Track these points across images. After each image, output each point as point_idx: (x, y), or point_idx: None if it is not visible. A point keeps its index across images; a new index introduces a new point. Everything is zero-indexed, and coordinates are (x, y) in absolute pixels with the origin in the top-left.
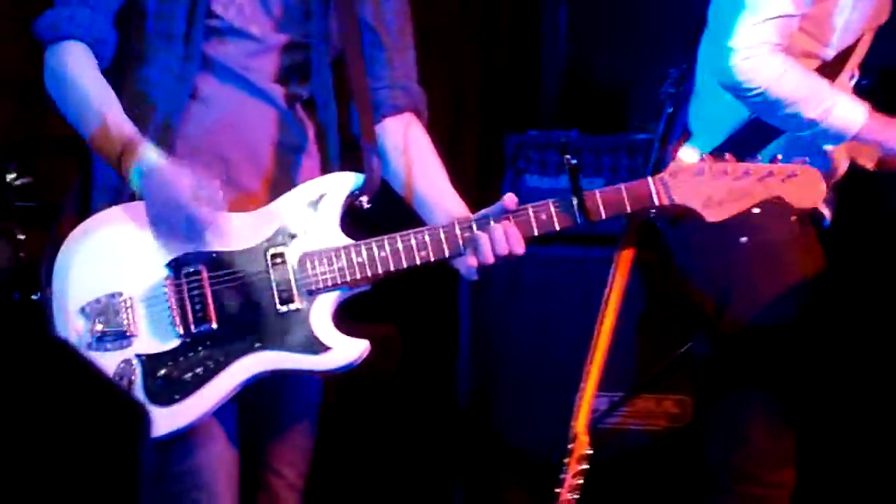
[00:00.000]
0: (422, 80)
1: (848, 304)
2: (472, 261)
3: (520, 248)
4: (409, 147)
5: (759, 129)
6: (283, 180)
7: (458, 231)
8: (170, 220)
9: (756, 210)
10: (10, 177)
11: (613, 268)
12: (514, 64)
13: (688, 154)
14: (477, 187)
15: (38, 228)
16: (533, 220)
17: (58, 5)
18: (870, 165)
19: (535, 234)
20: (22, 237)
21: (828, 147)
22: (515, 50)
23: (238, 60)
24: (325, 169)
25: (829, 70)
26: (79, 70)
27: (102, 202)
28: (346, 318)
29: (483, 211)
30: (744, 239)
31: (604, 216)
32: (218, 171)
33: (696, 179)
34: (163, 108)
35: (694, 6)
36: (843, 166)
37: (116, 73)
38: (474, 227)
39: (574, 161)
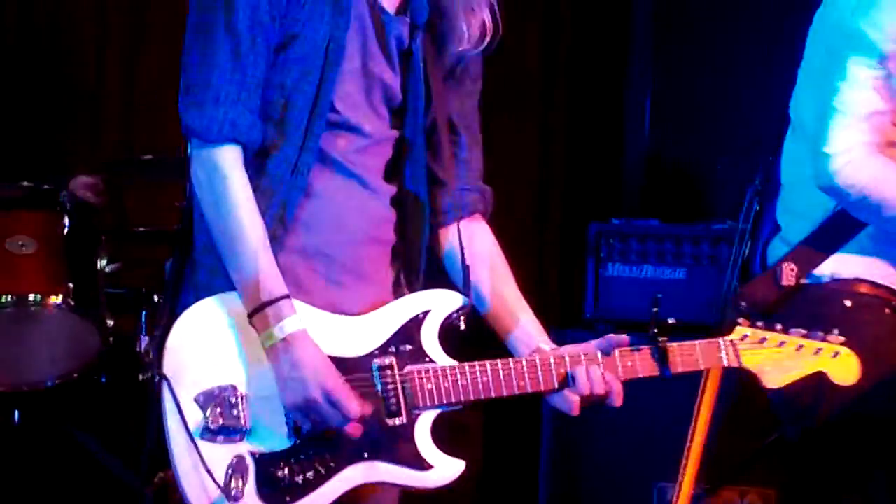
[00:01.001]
0: (506, 166)
1: None
2: (573, 397)
3: (617, 399)
4: (482, 252)
5: (847, 222)
6: (376, 280)
7: (552, 367)
8: (311, 400)
9: (848, 303)
10: (100, 263)
11: (705, 373)
12: (598, 152)
13: (747, 322)
14: (560, 275)
15: (125, 314)
16: (619, 364)
17: (210, 102)
18: None
19: (621, 378)
20: (111, 323)
21: None
22: (599, 138)
23: (348, 155)
24: (410, 269)
25: None
26: (239, 194)
27: (193, 295)
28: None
29: (583, 346)
30: (848, 303)
31: (679, 369)
32: (320, 269)
33: (760, 346)
34: (277, 200)
35: (777, 98)
36: None
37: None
38: (575, 362)
39: (656, 310)
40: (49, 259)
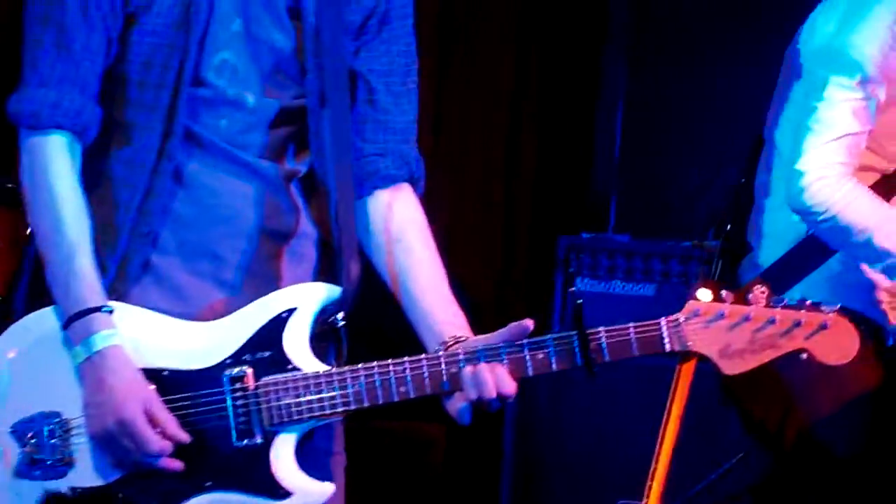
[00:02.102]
0: (475, 177)
1: None
2: (458, 402)
3: (510, 391)
4: (398, 228)
5: (819, 246)
6: (278, 279)
7: (443, 367)
8: (108, 431)
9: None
10: None
11: (675, 381)
12: (567, 165)
13: (705, 294)
14: (528, 289)
15: None
16: (528, 359)
17: (34, 84)
18: None
19: (530, 374)
20: None
21: None
22: (568, 151)
23: (229, 136)
24: (335, 260)
25: (891, 184)
26: (58, 187)
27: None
28: (393, 417)
29: (480, 340)
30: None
31: (608, 358)
32: (206, 270)
33: (715, 325)
34: (141, 193)
35: (751, 118)
36: None
37: (92, 151)
38: (462, 364)
39: (580, 301)
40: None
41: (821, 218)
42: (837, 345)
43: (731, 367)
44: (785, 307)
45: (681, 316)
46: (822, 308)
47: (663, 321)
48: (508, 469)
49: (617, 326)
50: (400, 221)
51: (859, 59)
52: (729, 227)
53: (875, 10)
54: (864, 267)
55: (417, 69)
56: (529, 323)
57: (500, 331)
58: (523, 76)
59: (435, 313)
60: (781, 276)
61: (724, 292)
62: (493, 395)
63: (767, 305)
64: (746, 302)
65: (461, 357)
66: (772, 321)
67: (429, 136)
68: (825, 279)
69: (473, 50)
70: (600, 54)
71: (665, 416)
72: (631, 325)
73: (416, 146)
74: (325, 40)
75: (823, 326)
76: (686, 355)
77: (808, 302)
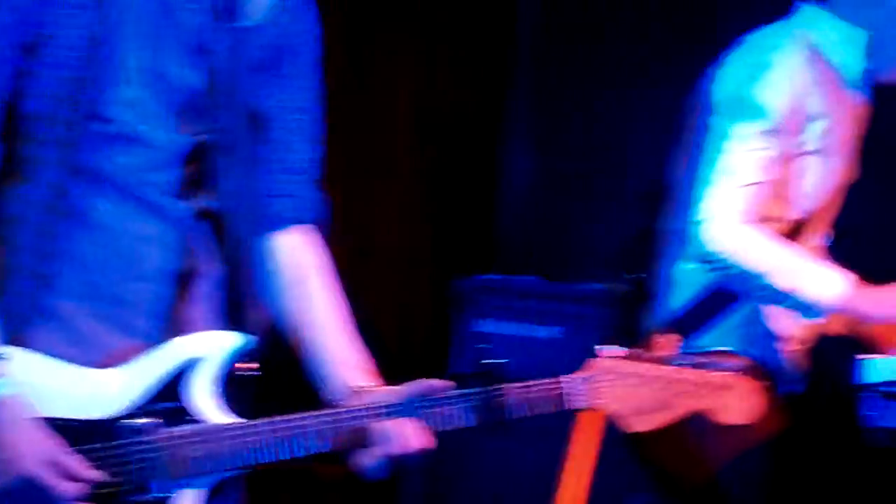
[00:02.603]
0: (374, 213)
1: (806, 463)
2: (371, 456)
3: (429, 444)
4: (298, 272)
5: (727, 296)
6: (185, 322)
7: (363, 420)
8: (15, 489)
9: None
10: None
11: (579, 423)
12: (472, 205)
13: (610, 352)
14: (431, 331)
15: None
16: (443, 414)
17: None
18: (841, 329)
19: (443, 429)
20: None
21: (809, 319)
22: (475, 191)
23: (135, 173)
24: (238, 302)
25: (798, 232)
26: None
27: None
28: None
29: (391, 392)
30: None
31: (511, 416)
32: (109, 314)
33: (618, 383)
34: (37, 233)
35: (659, 165)
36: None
37: None
38: (382, 417)
39: (487, 356)
40: None
41: (721, 265)
42: (739, 405)
43: (635, 426)
44: (693, 365)
45: (581, 375)
46: (730, 364)
47: (562, 381)
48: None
49: (521, 385)
50: (300, 265)
51: (762, 110)
52: (638, 272)
53: (780, 63)
54: (769, 315)
55: (322, 107)
56: (442, 384)
57: (411, 384)
58: (424, 114)
59: (340, 360)
60: (691, 324)
61: (628, 350)
62: (414, 449)
63: (676, 356)
64: (656, 352)
65: (382, 411)
66: (679, 381)
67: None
68: (732, 327)
69: (372, 84)
70: (507, 95)
71: (569, 459)
72: (533, 384)
73: (318, 186)
74: (233, 77)
75: (727, 386)
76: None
77: (718, 353)
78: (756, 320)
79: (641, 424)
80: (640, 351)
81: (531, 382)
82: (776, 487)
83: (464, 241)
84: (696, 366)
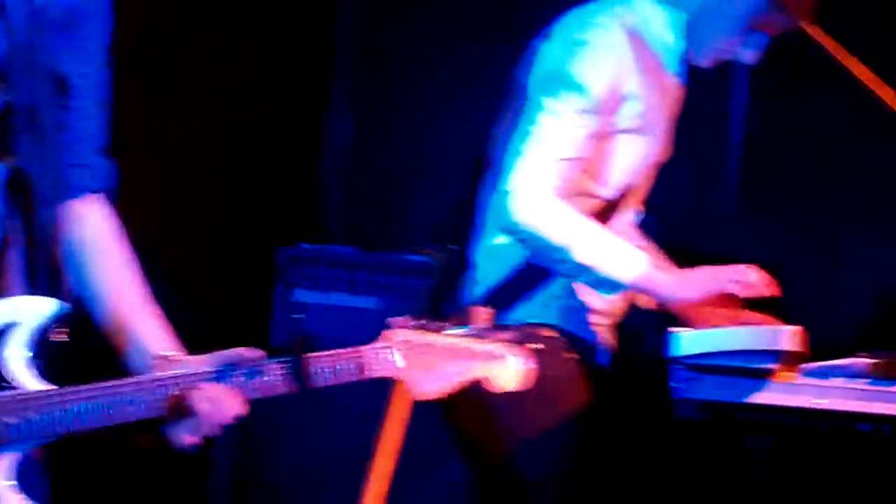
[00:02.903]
0: (196, 183)
1: (612, 440)
2: (183, 428)
3: (242, 412)
4: (92, 241)
5: (539, 270)
6: None
7: (175, 389)
8: None
9: (540, 346)
10: None
11: (392, 398)
12: (292, 176)
13: (401, 322)
14: (254, 301)
15: None
16: (255, 383)
17: None
18: (651, 303)
19: (256, 397)
20: None
21: (606, 295)
22: (293, 162)
23: None
24: (35, 271)
25: (607, 209)
26: None
27: None
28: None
29: (199, 360)
30: (485, 383)
31: (321, 384)
32: None
33: (421, 351)
34: None
35: (479, 134)
36: (619, 308)
37: None
38: (195, 385)
39: (302, 323)
40: None
41: (524, 236)
42: (509, 377)
43: (423, 393)
44: (475, 334)
45: (381, 343)
46: (509, 334)
47: (369, 348)
48: (221, 481)
49: (326, 354)
50: (95, 235)
51: (578, 89)
52: (452, 243)
53: (600, 41)
54: (582, 289)
55: (112, 71)
56: (252, 352)
57: (220, 353)
58: (247, 81)
59: (139, 330)
60: (504, 297)
61: (418, 320)
62: (228, 417)
63: (459, 326)
64: (470, 323)
65: (195, 378)
66: (461, 350)
67: (141, 141)
68: (543, 299)
69: (193, 51)
70: (330, 63)
71: (382, 432)
72: (342, 351)
73: (108, 154)
74: (32, 39)
75: (502, 356)
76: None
77: (529, 325)
78: (570, 294)
79: (431, 392)
80: (427, 321)
81: (335, 352)
82: (582, 458)
83: (288, 212)
84: (477, 335)
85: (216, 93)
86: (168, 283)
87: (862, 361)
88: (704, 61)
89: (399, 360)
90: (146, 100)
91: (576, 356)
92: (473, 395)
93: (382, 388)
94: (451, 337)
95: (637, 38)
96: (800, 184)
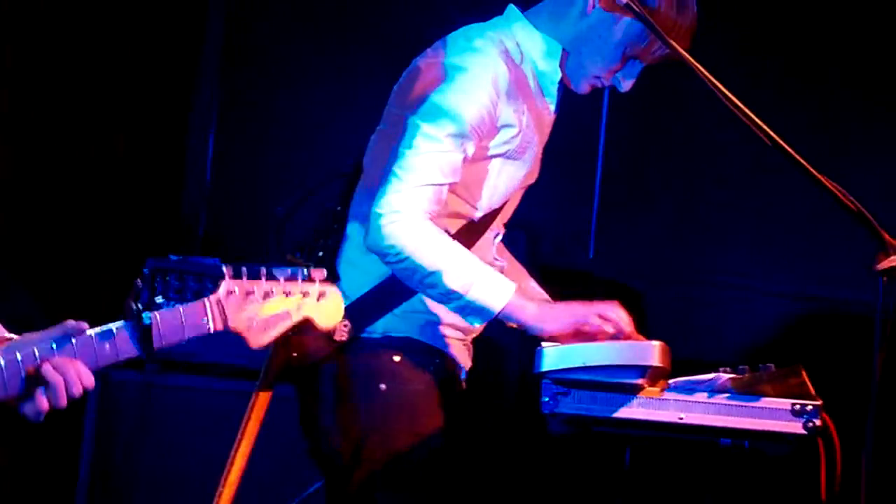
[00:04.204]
0: (70, 197)
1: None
2: (43, 406)
3: (90, 383)
4: None
5: (397, 284)
6: None
7: (20, 363)
8: None
9: (397, 358)
10: None
11: (250, 408)
12: (158, 186)
13: (231, 271)
14: (116, 311)
15: None
16: (96, 350)
17: None
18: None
19: (100, 366)
20: None
21: (475, 323)
22: (159, 172)
23: None
24: None
25: (476, 229)
26: None
27: None
28: None
29: (32, 337)
30: (383, 386)
31: (164, 343)
32: None
33: (247, 301)
34: None
35: (349, 143)
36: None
37: None
38: (39, 359)
39: (139, 282)
40: None
41: (395, 259)
42: (331, 311)
43: (256, 341)
44: (290, 279)
45: (219, 295)
46: (318, 272)
47: (206, 301)
48: (84, 483)
49: (168, 310)
50: None
51: (453, 113)
52: (319, 252)
53: (475, 66)
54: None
55: None
56: (83, 324)
57: (52, 328)
58: (115, 86)
59: None
60: (366, 310)
61: (243, 269)
62: (80, 391)
63: (277, 268)
64: (329, 336)
65: (37, 352)
66: (287, 293)
67: (5, 146)
68: (406, 313)
69: (61, 70)
70: (194, 75)
71: (238, 438)
72: (180, 307)
73: None
74: None
75: (321, 296)
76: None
77: (303, 271)
78: (430, 308)
79: (259, 339)
80: (247, 269)
81: (177, 307)
82: (442, 472)
83: (149, 223)
84: (290, 278)
85: (82, 107)
86: (37, 296)
87: (725, 376)
88: (580, 89)
89: (233, 310)
90: (12, 114)
91: (437, 370)
92: (344, 406)
93: (242, 399)
94: (273, 283)
95: (515, 64)
96: (661, 200)
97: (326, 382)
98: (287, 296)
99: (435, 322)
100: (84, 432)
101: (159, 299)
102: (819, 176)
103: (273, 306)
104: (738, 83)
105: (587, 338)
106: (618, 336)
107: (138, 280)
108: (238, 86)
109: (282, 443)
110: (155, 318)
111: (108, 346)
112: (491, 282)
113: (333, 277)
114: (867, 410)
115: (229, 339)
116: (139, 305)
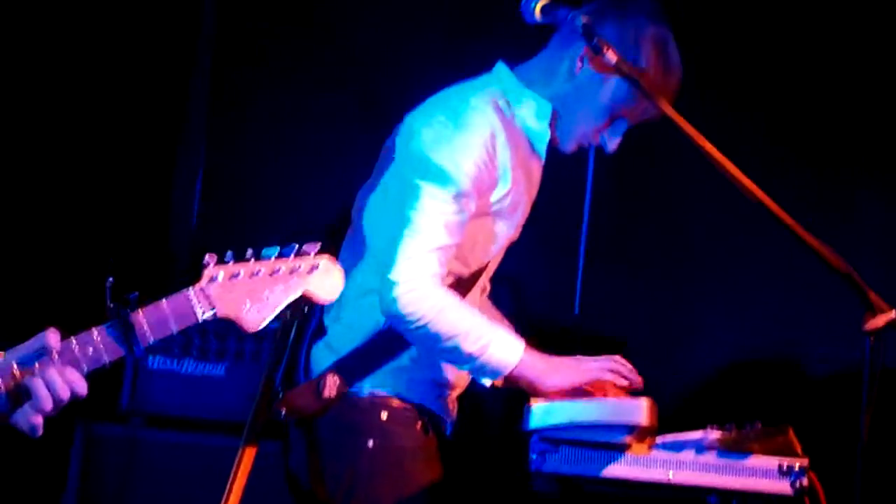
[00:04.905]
0: (46, 238)
1: None
2: (34, 417)
3: (82, 390)
4: None
5: (393, 339)
6: None
7: (16, 374)
8: None
9: (384, 415)
10: None
11: (236, 464)
12: (143, 238)
13: (215, 258)
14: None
15: None
16: (80, 356)
17: None
18: (497, 383)
19: (86, 371)
20: None
21: (487, 381)
22: (145, 225)
23: None
24: None
25: (465, 285)
26: None
27: None
28: None
29: (14, 351)
30: (370, 443)
31: (151, 339)
32: None
33: (233, 284)
34: None
35: (336, 194)
36: (464, 381)
37: None
38: (21, 374)
39: (111, 280)
40: None
41: (413, 326)
42: (329, 281)
43: (253, 324)
44: (280, 256)
45: (203, 282)
46: (308, 246)
47: (191, 290)
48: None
49: (152, 305)
50: None
51: (454, 173)
52: (306, 308)
53: (472, 125)
54: (432, 363)
55: None
56: (54, 333)
57: (32, 340)
58: (104, 137)
59: None
60: (354, 366)
61: (229, 253)
62: (67, 396)
63: (259, 250)
64: (319, 393)
65: (16, 366)
66: (277, 270)
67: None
68: (393, 370)
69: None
70: (180, 127)
71: (224, 497)
72: (163, 300)
73: None
74: None
75: (314, 268)
76: (220, 320)
77: (294, 245)
78: (417, 365)
79: (257, 321)
80: (234, 253)
81: (161, 300)
82: None
83: (136, 274)
84: (280, 256)
85: (73, 139)
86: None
87: (712, 434)
88: (567, 148)
89: (221, 295)
90: None
91: (425, 426)
92: (328, 461)
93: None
94: (263, 263)
95: (508, 122)
96: (646, 256)
97: (314, 439)
98: (276, 273)
99: (421, 379)
100: (67, 487)
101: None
102: (806, 235)
103: (264, 285)
104: (725, 140)
105: (576, 395)
106: (634, 388)
107: (111, 278)
108: (224, 133)
109: (268, 499)
110: (137, 314)
111: (91, 349)
112: (504, 342)
113: (322, 331)
114: (854, 470)
115: (214, 392)
116: (118, 304)
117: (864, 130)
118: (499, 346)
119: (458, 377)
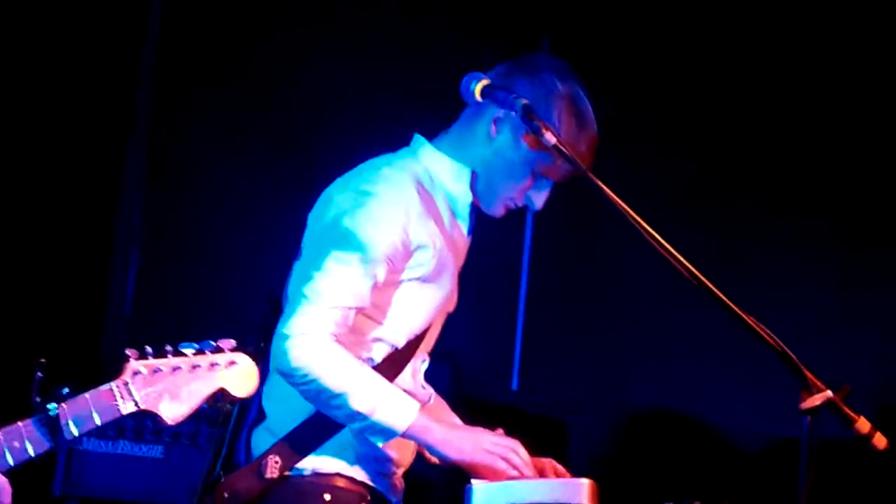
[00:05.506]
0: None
1: None
2: None
3: (6, 497)
4: None
5: (330, 420)
6: None
7: None
8: None
9: (328, 497)
10: None
11: None
12: (78, 319)
13: (136, 353)
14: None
15: None
16: (7, 450)
17: None
18: (433, 460)
19: (13, 465)
20: None
21: (378, 443)
22: (79, 306)
23: None
24: None
25: (402, 356)
26: None
27: None
28: None
29: None
30: (328, 497)
31: (76, 432)
32: None
33: (155, 379)
34: None
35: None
36: (408, 457)
37: None
38: None
39: (39, 375)
40: None
41: (300, 380)
42: (245, 379)
43: (172, 416)
44: (198, 353)
45: (125, 376)
46: (228, 343)
47: (114, 384)
48: None
49: (75, 399)
50: None
51: (363, 238)
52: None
53: (385, 193)
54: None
55: None
56: None
57: None
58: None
59: None
60: (295, 446)
61: (148, 349)
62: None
63: (179, 345)
64: (261, 475)
65: None
66: (196, 366)
67: None
68: (336, 446)
69: None
70: (116, 198)
71: None
72: (86, 394)
73: None
74: None
75: (233, 363)
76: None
77: (212, 343)
78: (363, 441)
79: (177, 414)
80: (153, 349)
81: (85, 393)
82: None
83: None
84: (198, 352)
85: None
86: None
87: None
88: (494, 211)
89: (142, 389)
90: None
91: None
92: None
93: None
94: (180, 358)
95: (424, 189)
96: (586, 329)
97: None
98: (195, 369)
99: (365, 456)
100: None
101: (65, 390)
102: (742, 313)
103: (183, 380)
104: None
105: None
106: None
107: (38, 372)
108: (161, 208)
109: None
110: (62, 408)
111: (16, 443)
112: (396, 403)
113: (257, 416)
114: None
115: (150, 474)
116: (44, 398)
117: (795, 198)
118: (389, 407)
119: (401, 454)
